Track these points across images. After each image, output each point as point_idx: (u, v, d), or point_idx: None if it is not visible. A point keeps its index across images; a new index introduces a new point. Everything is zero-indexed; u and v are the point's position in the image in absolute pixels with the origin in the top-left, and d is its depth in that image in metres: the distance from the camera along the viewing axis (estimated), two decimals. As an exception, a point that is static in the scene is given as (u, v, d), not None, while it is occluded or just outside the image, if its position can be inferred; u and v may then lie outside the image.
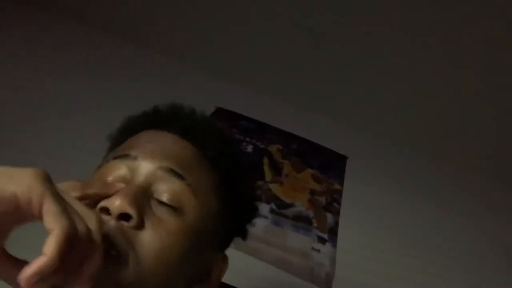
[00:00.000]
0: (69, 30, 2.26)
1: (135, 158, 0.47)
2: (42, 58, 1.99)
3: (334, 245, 1.57)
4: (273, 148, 1.97)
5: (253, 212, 0.59)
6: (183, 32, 2.26)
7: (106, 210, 0.41)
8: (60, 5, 2.34)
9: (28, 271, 0.29)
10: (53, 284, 0.32)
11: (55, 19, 2.27)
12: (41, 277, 0.29)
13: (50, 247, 0.30)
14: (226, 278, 0.57)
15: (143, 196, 0.44)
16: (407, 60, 2.05)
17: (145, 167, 0.46)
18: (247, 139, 1.95)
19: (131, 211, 0.41)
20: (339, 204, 1.78)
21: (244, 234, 0.59)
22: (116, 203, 0.41)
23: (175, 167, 0.47)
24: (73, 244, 0.32)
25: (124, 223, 0.41)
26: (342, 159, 2.04)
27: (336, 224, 1.67)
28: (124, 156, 0.48)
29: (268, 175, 1.80)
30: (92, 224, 0.35)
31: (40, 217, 0.32)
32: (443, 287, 1.54)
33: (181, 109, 0.57)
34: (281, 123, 2.09)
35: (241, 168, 0.57)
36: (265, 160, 1.88)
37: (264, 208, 1.60)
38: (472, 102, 2.07)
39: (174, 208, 0.45)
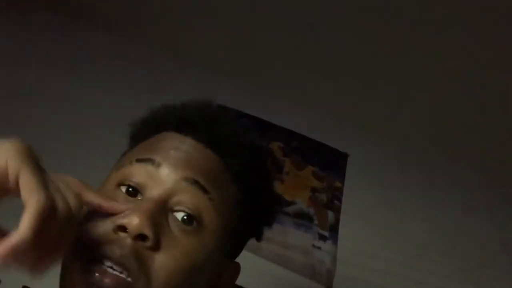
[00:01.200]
0: (68, 29, 2.26)
1: (158, 165, 0.46)
2: (42, 58, 1.99)
3: (335, 242, 1.57)
4: (274, 146, 1.97)
5: (272, 220, 0.58)
6: (181, 29, 2.25)
7: (123, 228, 0.40)
8: (60, 5, 2.34)
9: (0, 248, 0.28)
10: (29, 262, 0.30)
11: (55, 19, 2.27)
12: (15, 253, 0.28)
13: (25, 222, 0.28)
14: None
15: (161, 212, 0.43)
16: (408, 59, 2.04)
17: (167, 177, 0.45)
18: (248, 137, 1.95)
19: (148, 232, 0.40)
20: (340, 201, 1.78)
21: (259, 237, 0.58)
22: (134, 222, 0.40)
23: (200, 178, 0.46)
24: (51, 220, 0.30)
25: (140, 243, 0.40)
26: (343, 156, 2.04)
27: (337, 221, 1.67)
28: (147, 161, 0.46)
29: (269, 173, 1.80)
30: (72, 202, 0.33)
31: (17, 191, 0.30)
32: (444, 285, 1.54)
33: (209, 114, 0.55)
34: (282, 120, 2.09)
35: (265, 182, 0.55)
36: (266, 158, 1.88)
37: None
38: (473, 101, 2.07)
39: (193, 224, 0.44)
